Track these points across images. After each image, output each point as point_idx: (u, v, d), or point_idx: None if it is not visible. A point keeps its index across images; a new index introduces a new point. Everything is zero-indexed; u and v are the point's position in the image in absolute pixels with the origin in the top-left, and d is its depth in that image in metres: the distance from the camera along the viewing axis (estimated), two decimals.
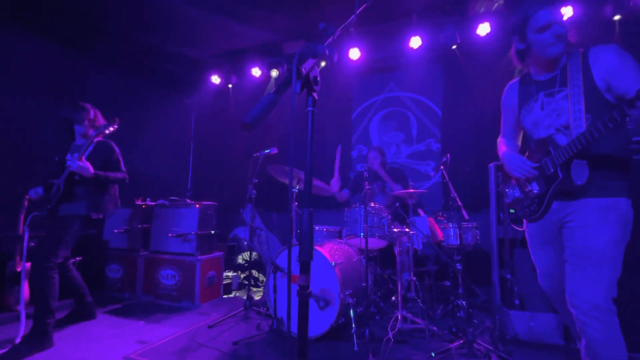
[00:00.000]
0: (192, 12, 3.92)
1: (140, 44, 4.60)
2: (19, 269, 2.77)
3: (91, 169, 2.47)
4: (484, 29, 3.88)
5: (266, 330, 2.57)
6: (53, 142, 2.75)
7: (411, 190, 2.80)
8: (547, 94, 1.48)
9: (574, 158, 1.37)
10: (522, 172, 1.56)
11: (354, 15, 1.06)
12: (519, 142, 1.80)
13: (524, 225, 1.70)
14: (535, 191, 1.55)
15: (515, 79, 1.68)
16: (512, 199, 1.71)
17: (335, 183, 3.23)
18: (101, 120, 2.71)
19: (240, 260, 4.38)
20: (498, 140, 1.83)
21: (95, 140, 2.55)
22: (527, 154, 1.63)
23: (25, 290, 2.97)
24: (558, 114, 1.44)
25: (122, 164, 2.76)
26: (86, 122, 2.66)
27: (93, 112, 2.70)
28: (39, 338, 2.24)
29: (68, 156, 2.68)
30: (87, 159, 2.47)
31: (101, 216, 2.65)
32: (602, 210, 1.36)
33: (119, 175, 2.68)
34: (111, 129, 2.50)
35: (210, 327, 2.71)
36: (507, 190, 1.74)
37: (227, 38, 4.61)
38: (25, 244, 2.42)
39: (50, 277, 2.35)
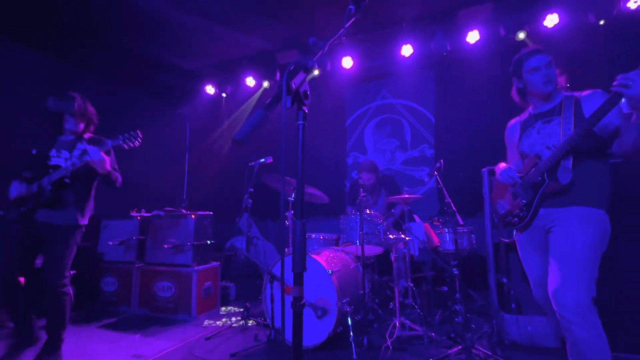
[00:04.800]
0: (185, 22, 3.96)
1: (134, 55, 4.62)
2: None
3: (108, 165, 2.27)
4: (473, 36, 3.96)
5: (264, 341, 2.54)
6: (45, 151, 2.59)
7: (405, 196, 2.81)
8: (544, 121, 1.73)
9: (560, 160, 1.57)
10: (507, 177, 1.77)
11: (343, 29, 1.09)
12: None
13: (514, 236, 1.84)
14: (524, 201, 1.72)
15: (516, 118, 1.93)
16: (503, 213, 1.87)
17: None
18: (90, 109, 2.46)
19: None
20: None
21: (87, 136, 2.36)
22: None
23: None
24: (551, 136, 1.69)
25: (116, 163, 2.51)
26: (77, 113, 2.37)
27: (82, 102, 2.42)
28: (54, 353, 2.19)
29: (53, 152, 2.37)
30: (79, 158, 2.23)
31: (86, 222, 2.44)
32: (583, 217, 1.54)
33: (119, 176, 2.47)
34: (132, 144, 2.25)
35: (207, 339, 2.68)
36: (497, 207, 1.91)
37: (221, 48, 4.65)
38: None
39: (66, 293, 2.27)
